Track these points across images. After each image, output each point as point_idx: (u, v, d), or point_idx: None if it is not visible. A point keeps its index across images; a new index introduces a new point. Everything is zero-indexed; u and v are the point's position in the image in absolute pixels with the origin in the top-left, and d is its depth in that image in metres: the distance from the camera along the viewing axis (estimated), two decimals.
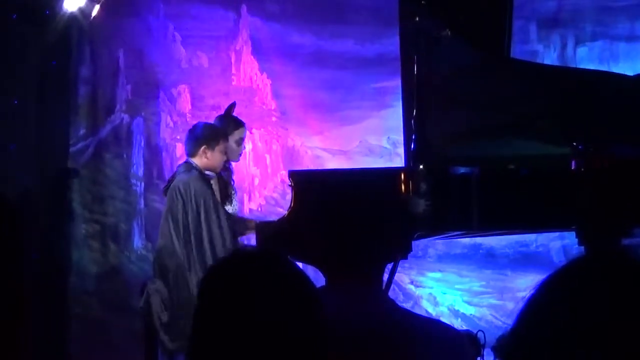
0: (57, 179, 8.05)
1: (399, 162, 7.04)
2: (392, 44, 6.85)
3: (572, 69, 7.54)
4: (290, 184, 5.77)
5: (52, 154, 8.00)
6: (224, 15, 8.46)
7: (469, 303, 8.17)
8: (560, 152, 5.66)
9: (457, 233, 6.00)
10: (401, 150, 6.35)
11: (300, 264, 2.13)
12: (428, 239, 6.20)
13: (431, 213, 5.35)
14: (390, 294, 4.99)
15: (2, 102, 7.44)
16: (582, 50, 8.19)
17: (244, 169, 8.26)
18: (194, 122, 7.01)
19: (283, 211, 6.42)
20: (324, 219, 2.61)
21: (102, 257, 8.26)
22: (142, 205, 8.30)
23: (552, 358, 1.39)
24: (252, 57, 8.46)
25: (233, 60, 8.48)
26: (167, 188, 6.38)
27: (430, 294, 8.25)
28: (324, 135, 8.41)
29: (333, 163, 8.30)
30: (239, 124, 6.65)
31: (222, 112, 6.85)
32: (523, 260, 8.08)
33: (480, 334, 6.19)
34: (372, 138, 8.37)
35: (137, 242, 8.27)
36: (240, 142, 6.62)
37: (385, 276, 4.71)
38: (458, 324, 7.89)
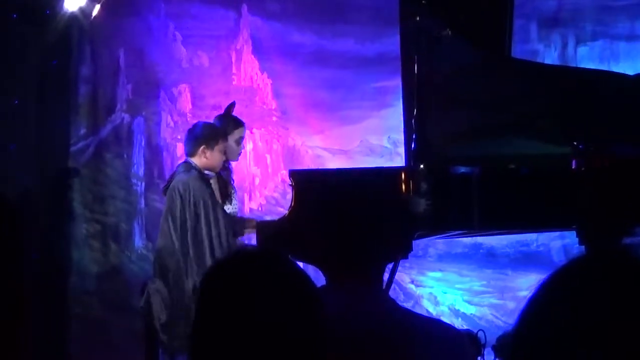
0: (58, 178, 8.05)
1: (399, 161, 7.04)
2: (392, 43, 6.85)
3: (572, 68, 7.54)
4: (290, 183, 5.77)
5: (53, 153, 8.00)
6: (224, 15, 8.46)
7: (469, 302, 8.17)
8: (561, 152, 5.66)
9: (457, 232, 6.00)
10: (402, 149, 6.35)
11: (300, 264, 2.13)
12: (428, 238, 6.20)
13: (432, 212, 5.35)
14: (391, 293, 4.99)
15: (2, 101, 7.44)
16: (582, 50, 8.20)
17: (245, 169, 8.26)
18: (195, 122, 7.01)
19: (284, 211, 6.42)
20: (324, 219, 2.61)
21: (102, 256, 8.26)
22: (143, 205, 8.30)
23: (553, 357, 1.39)
24: (252, 56, 8.46)
25: (234, 59, 8.48)
26: (166, 188, 6.38)
27: (431, 293, 8.25)
28: (325, 135, 8.41)
29: (334, 162, 8.30)
30: (238, 123, 6.65)
31: (222, 111, 6.85)
32: (524, 260, 8.08)
33: (480, 334, 6.20)
34: (372, 137, 8.37)
35: (138, 241, 8.28)
36: (239, 141, 6.61)
37: (386, 276, 4.71)
38: (458, 324, 7.89)
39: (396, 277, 5.75)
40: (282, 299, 1.83)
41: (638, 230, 5.47)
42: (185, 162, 6.38)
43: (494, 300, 8.12)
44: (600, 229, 5.42)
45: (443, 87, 5.82)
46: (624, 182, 5.47)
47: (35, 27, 7.63)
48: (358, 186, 2.70)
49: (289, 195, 5.91)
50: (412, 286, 8.26)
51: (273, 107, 8.47)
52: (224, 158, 6.46)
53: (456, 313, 8.17)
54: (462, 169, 5.56)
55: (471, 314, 8.14)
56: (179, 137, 8.20)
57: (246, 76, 8.48)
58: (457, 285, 8.22)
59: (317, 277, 2.28)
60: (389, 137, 8.27)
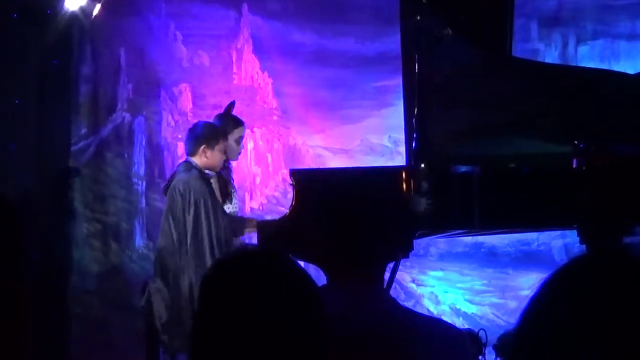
0: (58, 178, 8.05)
1: (400, 160, 7.03)
2: (393, 42, 6.86)
3: (573, 67, 7.54)
4: (291, 182, 5.77)
5: (53, 153, 8.00)
6: (225, 14, 8.46)
7: (470, 302, 8.17)
8: (562, 151, 5.66)
9: (458, 232, 6.00)
10: (402, 148, 6.35)
11: (301, 263, 2.13)
12: (430, 237, 6.19)
13: (432, 212, 5.35)
14: (392, 292, 4.99)
15: (3, 101, 7.44)
16: (583, 49, 8.19)
17: (246, 168, 8.26)
18: (195, 121, 7.01)
19: (284, 210, 6.42)
20: (325, 218, 2.61)
21: (103, 256, 8.26)
22: (144, 205, 8.30)
23: (554, 357, 1.39)
24: (253, 55, 8.46)
25: (234, 59, 8.48)
26: (167, 187, 6.38)
27: (432, 292, 8.25)
28: (325, 134, 8.41)
29: (334, 162, 8.30)
30: (238, 122, 6.65)
31: (223, 110, 6.85)
32: (524, 259, 8.07)
33: (481, 333, 6.20)
34: (373, 137, 8.37)
35: (139, 241, 8.28)
36: (239, 141, 6.61)
37: (387, 275, 4.71)
38: (459, 323, 7.89)
39: (397, 276, 5.75)
40: (283, 298, 1.83)
41: (638, 229, 5.47)
42: (186, 161, 6.38)
43: (495, 300, 8.12)
44: (600, 228, 5.42)
45: (444, 86, 5.82)
46: (625, 181, 5.46)
47: (35, 27, 7.63)
48: (359, 185, 2.70)
49: (290, 194, 5.91)
50: (413, 285, 8.26)
51: (274, 107, 8.47)
52: (224, 158, 6.46)
53: (457, 312, 8.17)
54: (463, 168, 5.56)
55: (472, 313, 8.14)
56: (179, 136, 8.20)
57: (247, 75, 8.48)
58: (458, 285, 8.22)
59: (318, 276, 2.28)
60: (389, 136, 8.27)
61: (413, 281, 8.25)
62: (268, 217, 7.34)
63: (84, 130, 8.29)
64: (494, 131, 5.91)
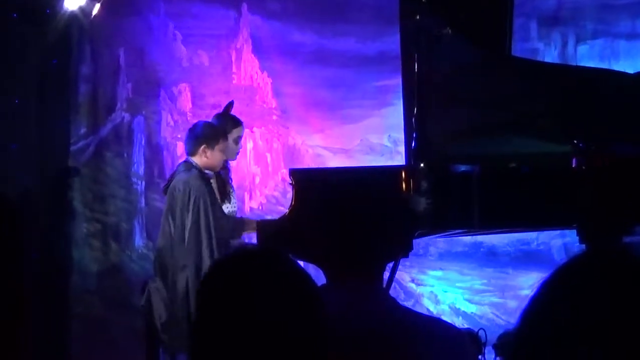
0: (58, 178, 8.05)
1: (399, 160, 7.03)
2: (393, 42, 6.85)
3: (572, 66, 7.54)
4: (291, 182, 5.77)
5: (53, 153, 8.00)
6: (224, 14, 8.46)
7: (470, 301, 8.18)
8: (561, 150, 5.66)
9: (458, 231, 6.00)
10: (402, 148, 6.35)
11: (301, 263, 2.13)
12: (429, 237, 6.20)
13: (432, 211, 5.35)
14: (392, 292, 4.98)
15: (2, 101, 7.44)
16: (582, 48, 8.20)
17: (245, 168, 8.26)
18: (195, 121, 7.01)
19: (284, 210, 6.42)
20: (325, 218, 2.61)
21: (103, 255, 8.26)
22: (143, 204, 8.30)
23: (554, 356, 1.39)
24: (252, 55, 8.46)
25: (234, 58, 8.48)
26: (167, 187, 6.38)
27: (432, 292, 8.25)
28: (325, 134, 8.41)
29: (334, 161, 8.30)
30: (237, 122, 6.64)
31: (221, 110, 6.85)
32: (524, 259, 8.08)
33: (481, 332, 6.20)
34: (373, 136, 8.38)
35: (138, 240, 8.28)
36: (237, 140, 6.61)
37: (386, 274, 4.71)
38: (459, 323, 7.89)
39: (397, 275, 5.75)
40: (282, 298, 1.83)
41: (638, 228, 5.47)
42: (186, 161, 6.38)
43: (494, 299, 8.12)
44: (600, 227, 5.42)
45: (443, 85, 5.82)
46: (624, 181, 5.47)
47: (35, 27, 7.63)
48: (358, 185, 2.70)
49: (290, 194, 5.91)
50: (413, 285, 8.26)
51: (273, 106, 8.47)
52: (224, 158, 6.46)
53: (457, 312, 8.17)
54: (463, 168, 5.56)
55: (472, 312, 8.14)
56: (179, 136, 8.20)
57: (246, 75, 8.48)
58: (457, 284, 8.22)
59: (318, 276, 2.28)
60: (389, 135, 8.28)
61: (413, 281, 8.25)
62: (269, 217, 7.34)
63: (83, 130, 8.29)
64: (494, 130, 5.91)
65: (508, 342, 5.72)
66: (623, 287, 1.39)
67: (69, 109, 8.19)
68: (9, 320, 1.86)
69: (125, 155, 8.35)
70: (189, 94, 8.42)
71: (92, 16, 7.81)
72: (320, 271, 2.66)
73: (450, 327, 2.63)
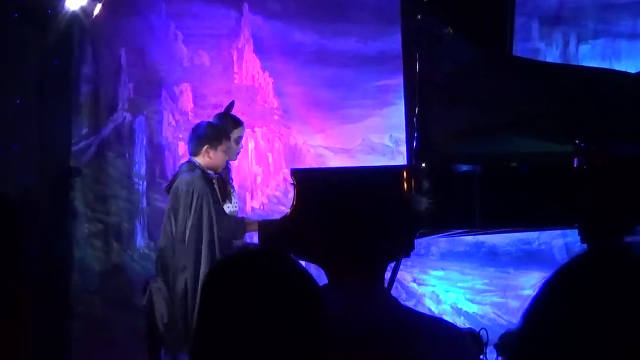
0: (59, 178, 8.06)
1: (401, 160, 7.03)
2: (394, 41, 6.86)
3: (574, 66, 7.53)
4: (292, 182, 5.77)
5: (54, 153, 8.00)
6: (225, 14, 8.46)
7: (471, 301, 8.17)
8: (562, 150, 5.66)
9: (459, 231, 6.00)
10: (403, 148, 6.35)
11: (303, 262, 2.12)
12: (431, 237, 6.19)
13: (434, 211, 5.35)
14: (393, 292, 4.99)
15: (4, 101, 7.44)
16: (584, 48, 8.19)
17: (246, 168, 8.26)
18: (196, 121, 7.01)
19: (285, 209, 6.42)
20: (326, 217, 2.61)
21: (104, 255, 8.26)
22: (145, 204, 8.31)
23: (556, 356, 1.39)
24: (254, 55, 8.46)
25: (235, 58, 8.48)
26: (169, 187, 6.38)
27: (433, 292, 8.25)
28: (326, 134, 8.41)
29: (335, 161, 8.30)
30: (237, 122, 6.65)
31: (222, 110, 6.85)
32: (526, 258, 8.07)
33: (482, 332, 6.20)
34: (374, 136, 8.37)
35: (140, 240, 8.28)
36: (238, 140, 6.61)
37: (388, 274, 4.71)
38: (461, 322, 7.89)
39: (398, 275, 5.75)
40: (284, 298, 1.83)
41: (639, 228, 5.47)
42: (189, 161, 6.38)
43: (496, 299, 8.12)
44: (601, 227, 5.41)
45: (444, 85, 5.82)
46: (625, 181, 5.46)
47: (36, 27, 7.63)
48: (360, 185, 2.70)
49: (291, 194, 5.91)
50: (414, 285, 8.25)
51: (274, 106, 8.47)
52: (226, 158, 6.46)
53: (458, 312, 8.17)
54: (464, 167, 5.56)
55: (473, 312, 8.14)
56: (180, 136, 8.21)
57: (247, 75, 8.48)
58: (459, 284, 8.22)
59: (319, 275, 2.28)
60: (390, 135, 8.27)
61: (414, 280, 8.25)
62: (269, 217, 7.34)
63: (84, 130, 8.29)
64: (495, 130, 5.90)
65: (510, 342, 5.72)
66: (624, 286, 1.39)
67: (70, 109, 8.19)
68: (9, 320, 1.86)
69: (127, 155, 8.35)
70: (190, 94, 8.42)
71: (93, 16, 7.81)
72: (322, 271, 2.65)
73: (451, 327, 2.63)
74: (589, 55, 8.13)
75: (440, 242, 8.06)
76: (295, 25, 8.40)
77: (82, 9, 7.71)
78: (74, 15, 7.74)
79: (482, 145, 5.86)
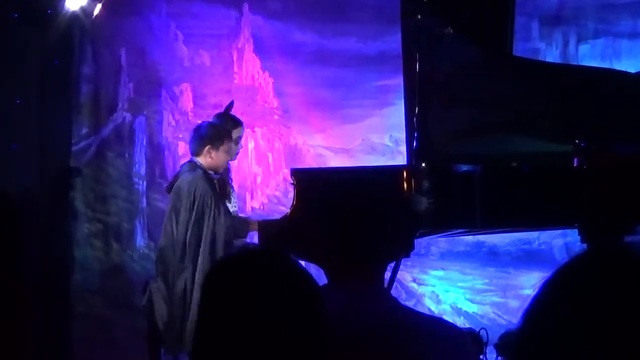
0: (60, 178, 8.06)
1: (401, 160, 7.03)
2: (394, 41, 6.86)
3: (574, 66, 7.54)
4: (292, 182, 5.77)
5: (55, 153, 8.00)
6: (225, 14, 8.46)
7: (471, 301, 8.17)
8: (563, 150, 5.66)
9: (459, 231, 6.00)
10: (403, 148, 6.35)
11: (302, 262, 2.13)
12: (431, 237, 6.19)
13: (434, 211, 5.35)
14: (393, 292, 4.99)
15: (4, 101, 7.44)
16: (584, 48, 8.19)
17: (246, 168, 8.26)
18: (196, 121, 7.02)
19: (285, 209, 6.42)
20: (326, 217, 2.61)
21: (104, 255, 8.26)
22: (145, 204, 8.31)
23: (556, 355, 1.39)
24: (254, 55, 8.46)
25: (235, 58, 8.48)
26: (170, 187, 6.38)
27: (433, 292, 8.25)
28: (326, 134, 8.41)
29: (335, 161, 8.29)
30: (237, 122, 6.65)
31: (222, 110, 6.86)
32: (526, 258, 8.07)
33: (482, 332, 6.20)
34: (374, 136, 8.37)
35: (140, 240, 8.28)
36: (238, 140, 6.61)
37: (388, 274, 4.71)
38: (461, 322, 7.89)
39: (398, 275, 5.75)
40: (284, 298, 1.83)
41: (639, 228, 5.47)
42: (190, 161, 6.38)
43: (496, 299, 8.12)
44: (601, 227, 5.41)
45: (445, 85, 5.82)
46: (626, 180, 5.46)
47: (36, 27, 7.63)
48: (360, 185, 2.70)
49: (291, 194, 5.91)
50: (414, 285, 8.25)
51: (274, 106, 8.47)
52: (228, 159, 6.46)
53: (458, 311, 8.17)
54: (464, 167, 5.56)
55: (473, 312, 8.14)
56: (180, 136, 8.21)
57: (247, 75, 8.48)
58: (459, 284, 8.22)
59: (319, 275, 2.28)
60: (390, 135, 8.27)
61: (414, 280, 8.25)
62: (269, 217, 7.34)
63: (85, 130, 8.29)
64: (495, 130, 5.90)
65: (510, 342, 5.72)
66: (624, 286, 1.39)
67: (70, 109, 8.19)
68: (9, 320, 1.86)
69: (127, 155, 8.35)
70: (190, 94, 8.42)
71: (94, 16, 7.81)
72: (322, 271, 2.65)
73: (451, 326, 2.63)
74: (589, 55, 8.13)
75: (440, 242, 8.06)
76: (296, 25, 8.40)
77: (82, 9, 7.71)
78: (74, 15, 7.74)
79: (482, 145, 5.86)
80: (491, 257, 8.15)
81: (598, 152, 5.53)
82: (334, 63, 8.35)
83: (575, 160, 5.56)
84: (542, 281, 1.46)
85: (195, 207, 6.13)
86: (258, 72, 8.47)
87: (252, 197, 8.36)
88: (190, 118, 8.26)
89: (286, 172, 8.16)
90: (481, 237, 7.95)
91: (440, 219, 5.45)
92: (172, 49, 8.42)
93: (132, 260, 8.26)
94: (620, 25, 8.14)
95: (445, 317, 6.97)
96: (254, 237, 6.38)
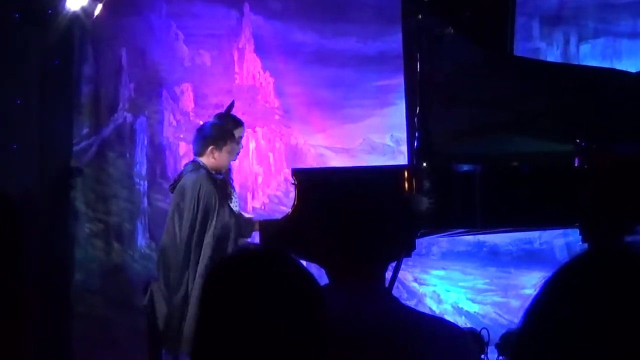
0: (60, 178, 8.06)
1: (402, 159, 7.03)
2: (394, 41, 6.86)
3: (574, 66, 7.53)
4: (293, 182, 5.77)
5: (55, 153, 8.00)
6: (226, 14, 8.46)
7: (472, 301, 8.17)
8: (563, 150, 5.66)
9: (460, 231, 6.00)
10: (404, 148, 6.35)
11: (304, 262, 2.13)
12: (432, 236, 6.19)
13: (434, 211, 5.35)
14: (394, 291, 4.98)
15: (4, 101, 7.44)
16: (584, 48, 8.19)
17: (247, 167, 8.26)
18: (197, 121, 7.02)
19: (286, 209, 6.42)
20: (327, 217, 2.61)
21: (105, 255, 8.27)
22: (146, 204, 8.31)
23: (557, 355, 1.39)
24: (254, 55, 8.46)
25: (236, 58, 8.48)
26: (173, 186, 6.38)
27: (434, 291, 8.25)
28: (327, 133, 8.41)
29: (336, 161, 8.30)
30: (237, 122, 6.65)
31: (224, 110, 6.86)
32: (527, 258, 8.07)
33: (484, 332, 6.21)
34: (375, 136, 8.37)
35: (141, 241, 8.28)
36: (238, 140, 6.62)
37: (389, 274, 4.71)
38: (462, 322, 7.89)
39: (399, 275, 5.75)
40: (285, 298, 1.83)
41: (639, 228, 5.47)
42: (194, 161, 6.38)
43: (497, 299, 8.12)
44: (602, 226, 5.41)
45: (445, 85, 5.81)
46: (627, 180, 5.46)
47: (37, 27, 7.63)
48: (361, 185, 2.69)
49: (292, 193, 5.91)
50: (415, 284, 8.25)
51: (275, 106, 8.47)
52: (230, 159, 6.46)
53: (459, 311, 8.16)
54: (465, 167, 5.55)
55: (474, 312, 8.14)
56: (181, 136, 8.21)
57: (248, 75, 8.48)
58: (460, 284, 8.22)
59: (320, 275, 2.28)
60: (391, 135, 8.27)
61: (415, 280, 8.25)
62: (270, 217, 7.33)
63: (85, 130, 8.30)
64: (496, 130, 5.90)
65: (511, 342, 5.72)
66: (625, 286, 1.39)
67: (71, 109, 8.19)
68: (9, 320, 1.86)
69: (128, 155, 8.35)
70: (191, 94, 8.42)
71: (94, 16, 7.81)
72: (323, 271, 2.65)
73: (453, 326, 2.63)
74: (590, 55, 8.13)
75: (441, 242, 8.06)
76: (296, 25, 8.40)
77: (83, 9, 7.71)
78: (75, 15, 7.74)
79: (482, 144, 5.86)
80: (492, 257, 8.15)
81: (598, 152, 5.52)
82: (334, 63, 8.35)
83: (576, 159, 5.56)
84: (543, 281, 1.46)
85: (199, 207, 6.13)
86: (259, 72, 8.47)
87: (253, 197, 8.36)
88: (191, 118, 8.26)
89: (287, 172, 8.16)
90: (482, 237, 7.95)
91: (441, 219, 5.45)
92: (172, 49, 8.42)
93: (133, 260, 8.26)
94: (621, 25, 8.14)
95: (447, 317, 6.97)
96: (255, 237, 6.38)
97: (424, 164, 5.44)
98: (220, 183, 6.48)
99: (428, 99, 5.64)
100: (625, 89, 5.91)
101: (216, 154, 6.30)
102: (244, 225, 6.34)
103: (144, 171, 8.34)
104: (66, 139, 8.12)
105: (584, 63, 7.88)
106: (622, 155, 5.57)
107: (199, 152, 6.35)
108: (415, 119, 5.63)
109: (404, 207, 4.94)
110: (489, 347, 6.27)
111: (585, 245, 5.50)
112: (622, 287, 1.39)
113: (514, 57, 6.34)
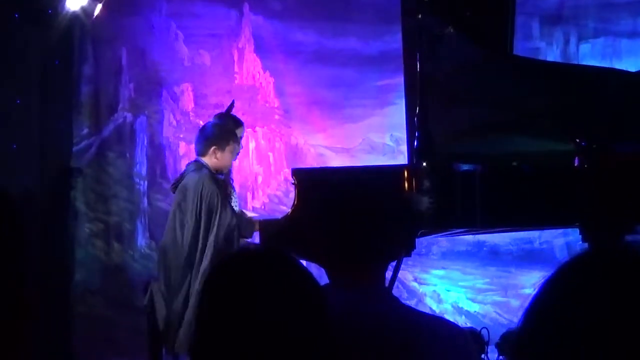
0: (61, 178, 8.06)
1: (402, 159, 7.04)
2: (394, 41, 6.86)
3: (574, 65, 7.53)
4: (293, 182, 5.77)
5: (55, 153, 8.00)
6: (226, 14, 8.46)
7: (472, 300, 8.17)
8: (564, 149, 5.66)
9: (460, 230, 5.99)
10: (404, 147, 6.36)
11: (304, 262, 2.13)
12: (432, 236, 6.19)
13: (435, 210, 5.34)
14: (394, 291, 4.98)
15: (5, 101, 7.44)
16: (584, 47, 8.19)
17: (248, 167, 8.26)
18: (197, 121, 7.01)
19: (286, 209, 6.42)
20: (327, 217, 2.61)
21: (105, 255, 8.27)
22: (146, 204, 8.31)
23: (557, 355, 1.39)
24: (254, 55, 8.46)
25: (236, 58, 8.48)
26: (175, 186, 6.37)
27: (434, 291, 8.25)
28: (327, 133, 8.41)
29: (336, 161, 8.30)
30: (238, 122, 6.65)
31: (224, 110, 6.86)
32: (527, 258, 8.07)
33: (484, 331, 6.21)
34: (375, 135, 8.37)
35: (141, 240, 8.28)
36: (239, 141, 6.61)
37: (389, 274, 4.71)
38: (462, 322, 7.89)
39: (399, 275, 5.75)
40: (285, 298, 1.83)
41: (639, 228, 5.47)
42: (196, 161, 6.37)
43: (497, 298, 8.12)
44: (602, 226, 5.41)
45: (445, 84, 5.81)
46: (627, 180, 5.46)
47: (37, 27, 7.63)
48: (361, 184, 2.69)
49: (292, 193, 5.91)
50: (416, 284, 8.25)
51: (275, 106, 8.47)
52: (232, 159, 6.46)
53: (459, 311, 8.17)
54: (465, 167, 5.55)
55: (474, 311, 8.14)
56: (181, 135, 8.21)
57: (248, 75, 8.48)
58: (460, 283, 8.22)
59: (320, 275, 2.28)
60: (391, 135, 8.27)
61: (415, 280, 8.25)
62: (270, 216, 7.33)
63: (85, 130, 8.30)
64: (496, 129, 5.90)
65: (511, 341, 5.72)
66: (625, 285, 1.39)
67: (71, 109, 8.20)
68: (9, 320, 1.86)
69: (128, 155, 8.36)
70: (191, 94, 8.43)
71: (94, 16, 7.81)
72: (323, 271, 2.65)
73: (453, 326, 2.63)
74: (590, 54, 8.14)
75: (441, 242, 8.07)
76: (296, 25, 8.40)
77: (83, 9, 7.71)
78: (75, 15, 7.74)
79: (483, 144, 5.86)
80: (492, 257, 8.16)
81: (598, 152, 5.52)
82: (334, 63, 8.35)
83: (576, 159, 5.56)
84: (543, 280, 1.46)
85: (202, 207, 6.12)
86: (259, 72, 8.47)
87: (253, 197, 8.37)
88: (191, 118, 8.26)
89: (287, 171, 8.17)
90: (482, 237, 7.95)
91: (441, 219, 5.44)
92: (172, 49, 8.43)
93: (133, 260, 8.26)
94: (620, 25, 8.15)
95: (447, 317, 6.97)
96: (255, 237, 6.38)
97: (424, 164, 5.43)
98: (221, 183, 6.48)
99: (428, 99, 5.64)
100: (625, 88, 5.91)
101: (219, 154, 6.29)
102: (244, 225, 6.34)
103: (144, 171, 8.34)
104: (66, 139, 8.12)
105: (584, 63, 7.89)
106: (622, 155, 5.57)
107: (202, 152, 6.34)
108: (415, 119, 5.63)
109: (404, 207, 4.94)
110: (489, 347, 6.27)
111: (585, 245, 5.50)
112: (622, 287, 1.39)
113: (514, 57, 6.33)
